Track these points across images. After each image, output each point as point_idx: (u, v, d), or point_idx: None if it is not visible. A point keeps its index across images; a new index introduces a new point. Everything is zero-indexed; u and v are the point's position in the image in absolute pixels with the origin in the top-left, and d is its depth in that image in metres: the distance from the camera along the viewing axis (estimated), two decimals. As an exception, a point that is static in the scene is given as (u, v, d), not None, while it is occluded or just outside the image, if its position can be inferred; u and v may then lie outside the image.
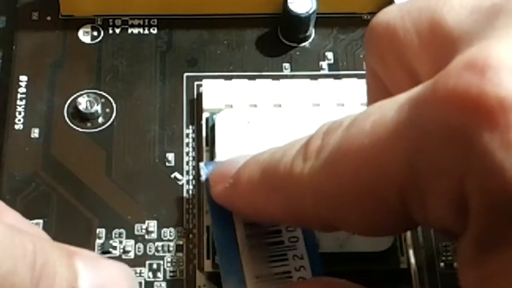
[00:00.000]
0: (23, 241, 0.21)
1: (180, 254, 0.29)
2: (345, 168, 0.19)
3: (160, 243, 0.29)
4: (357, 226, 0.20)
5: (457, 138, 0.17)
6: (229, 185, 0.24)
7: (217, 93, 0.31)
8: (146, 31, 0.34)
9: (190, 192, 0.30)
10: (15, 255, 0.20)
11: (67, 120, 0.31)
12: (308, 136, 0.21)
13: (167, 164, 0.31)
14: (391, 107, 0.19)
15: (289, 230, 0.26)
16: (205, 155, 0.30)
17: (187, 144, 0.31)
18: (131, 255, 0.29)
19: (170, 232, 0.29)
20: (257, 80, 0.31)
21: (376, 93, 0.24)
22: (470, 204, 0.17)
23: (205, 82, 0.31)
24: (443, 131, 0.17)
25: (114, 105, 0.32)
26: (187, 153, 0.31)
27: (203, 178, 0.27)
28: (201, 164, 0.27)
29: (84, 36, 0.34)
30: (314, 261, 0.25)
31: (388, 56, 0.22)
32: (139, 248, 0.29)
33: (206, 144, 0.30)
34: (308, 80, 0.32)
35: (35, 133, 0.31)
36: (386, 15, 0.22)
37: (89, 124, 0.31)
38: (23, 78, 0.32)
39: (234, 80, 0.31)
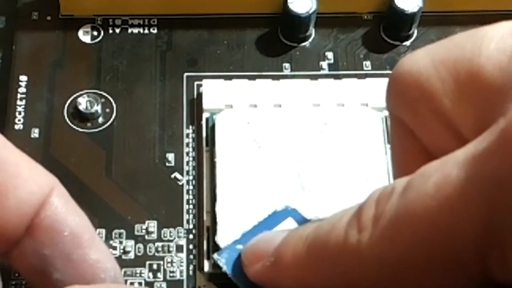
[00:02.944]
0: None
1: (180, 254, 0.29)
2: (412, 234, 0.18)
3: (160, 244, 0.29)
4: None
5: None
6: (270, 263, 0.23)
7: (217, 93, 0.31)
8: (146, 31, 0.34)
9: (190, 192, 0.30)
10: None
11: (67, 120, 0.31)
12: (357, 206, 0.20)
13: (167, 164, 0.31)
14: (452, 165, 0.18)
15: None
16: (205, 155, 0.30)
17: (187, 144, 0.31)
18: (131, 255, 0.29)
19: (170, 232, 0.29)
20: (257, 80, 0.31)
21: (404, 142, 0.23)
22: None
23: (205, 82, 0.31)
24: None
25: (114, 105, 0.32)
26: (187, 153, 0.31)
27: (224, 268, 0.26)
28: (215, 256, 0.26)
29: (84, 36, 0.34)
30: None
31: (420, 107, 0.21)
32: (139, 248, 0.29)
33: (206, 144, 0.30)
34: (308, 80, 0.31)
35: (35, 133, 0.31)
36: (414, 64, 0.21)
37: (89, 124, 0.31)
38: (23, 78, 0.32)
39: (234, 80, 0.31)
